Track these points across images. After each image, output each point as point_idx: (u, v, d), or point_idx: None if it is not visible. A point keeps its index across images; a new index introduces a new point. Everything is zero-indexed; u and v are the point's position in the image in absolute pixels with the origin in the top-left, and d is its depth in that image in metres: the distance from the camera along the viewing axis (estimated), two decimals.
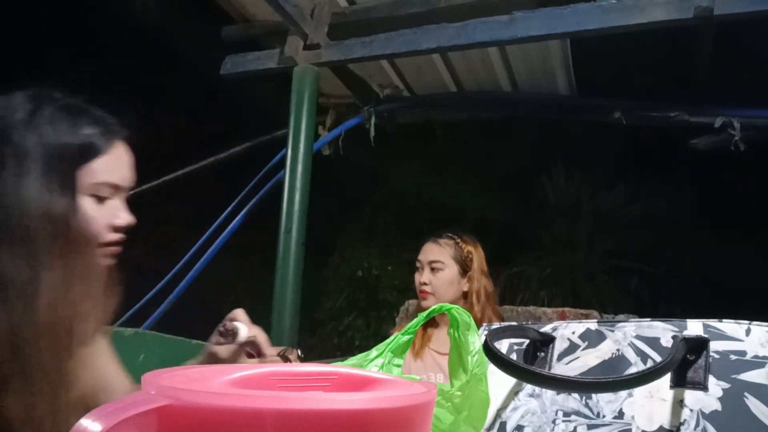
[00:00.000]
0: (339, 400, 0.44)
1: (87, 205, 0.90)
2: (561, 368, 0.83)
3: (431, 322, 2.01)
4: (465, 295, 2.02)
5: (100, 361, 1.00)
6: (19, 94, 0.88)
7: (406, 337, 0.81)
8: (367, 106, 3.56)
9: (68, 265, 0.84)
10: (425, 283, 1.98)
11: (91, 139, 0.91)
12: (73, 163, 0.87)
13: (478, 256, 2.04)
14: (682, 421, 0.71)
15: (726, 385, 0.71)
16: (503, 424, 0.83)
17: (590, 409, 0.78)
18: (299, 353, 1.97)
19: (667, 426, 0.72)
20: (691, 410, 0.71)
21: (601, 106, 3.35)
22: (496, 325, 0.89)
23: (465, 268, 2.00)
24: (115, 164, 0.94)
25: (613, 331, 0.83)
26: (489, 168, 5.76)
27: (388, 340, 0.81)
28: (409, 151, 5.65)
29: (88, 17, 6.17)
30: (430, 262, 2.00)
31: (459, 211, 5.27)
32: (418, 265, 2.04)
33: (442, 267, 1.98)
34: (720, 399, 0.71)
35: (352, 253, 6.18)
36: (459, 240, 2.03)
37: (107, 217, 0.93)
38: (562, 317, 2.37)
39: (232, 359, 1.05)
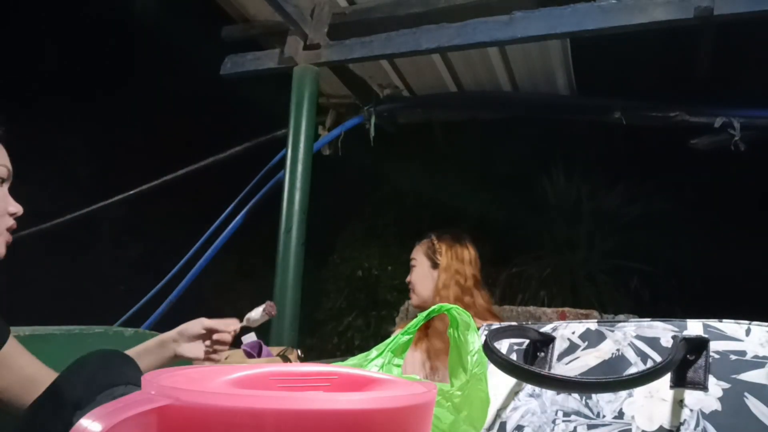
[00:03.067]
0: (339, 400, 0.44)
1: None
2: (561, 368, 0.83)
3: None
4: None
5: (19, 361, 1.01)
6: None
7: (406, 337, 0.81)
8: (367, 106, 3.56)
9: None
10: (408, 282, 2.13)
11: None
12: None
13: (450, 250, 2.08)
14: (682, 421, 0.71)
15: (726, 385, 0.71)
16: (503, 424, 0.83)
17: (590, 409, 0.78)
18: (299, 353, 1.98)
19: (667, 426, 0.72)
20: (691, 410, 0.71)
21: (601, 106, 3.35)
22: (496, 325, 0.89)
23: (434, 263, 2.09)
24: (2, 154, 0.98)
25: (613, 331, 0.83)
26: (489, 168, 5.75)
27: (388, 340, 0.81)
28: (409, 151, 5.65)
29: (88, 17, 6.17)
30: (410, 260, 2.15)
31: (459, 211, 5.27)
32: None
33: (415, 264, 2.12)
34: (720, 399, 0.71)
35: (352, 253, 6.18)
36: (435, 238, 2.14)
37: (3, 203, 0.97)
38: (562, 317, 2.37)
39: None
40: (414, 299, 2.09)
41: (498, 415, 0.84)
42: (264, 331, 2.57)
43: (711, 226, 4.55)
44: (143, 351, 1.13)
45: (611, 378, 0.72)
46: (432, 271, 2.07)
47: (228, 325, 1.13)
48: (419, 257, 2.11)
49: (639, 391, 0.75)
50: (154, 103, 6.11)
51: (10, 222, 0.99)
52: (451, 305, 0.82)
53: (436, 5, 2.84)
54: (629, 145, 4.68)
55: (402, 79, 3.51)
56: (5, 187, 0.99)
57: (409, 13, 2.86)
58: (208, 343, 1.14)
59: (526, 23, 2.53)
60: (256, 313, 1.15)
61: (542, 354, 0.86)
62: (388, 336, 0.83)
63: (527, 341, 0.89)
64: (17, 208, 1.00)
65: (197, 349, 1.13)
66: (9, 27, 6.19)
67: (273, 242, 2.89)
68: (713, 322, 0.77)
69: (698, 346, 0.74)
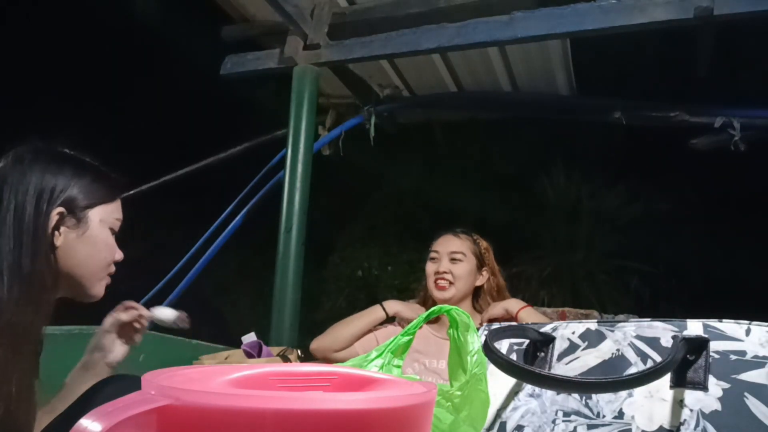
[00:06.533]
0: (339, 400, 0.44)
1: (108, 235, 1.07)
2: (561, 368, 0.83)
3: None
4: (476, 290, 2.08)
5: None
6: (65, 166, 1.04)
7: (406, 338, 0.81)
8: (367, 106, 3.55)
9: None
10: (446, 272, 2.00)
11: (117, 183, 1.11)
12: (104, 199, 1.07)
13: (492, 253, 2.11)
14: (682, 421, 0.71)
15: (726, 385, 0.71)
16: (503, 424, 0.83)
17: (590, 409, 0.78)
18: (299, 353, 1.98)
19: (667, 426, 0.72)
20: (691, 410, 0.71)
21: (601, 106, 3.34)
22: (496, 325, 0.89)
23: (481, 262, 2.05)
24: (118, 209, 1.10)
25: (613, 331, 0.83)
26: (489, 168, 5.76)
27: (387, 342, 0.81)
28: (409, 151, 5.65)
29: (87, 17, 6.17)
30: (451, 253, 2.02)
31: (459, 211, 5.27)
32: (434, 255, 2.05)
33: (462, 258, 2.01)
34: (720, 399, 0.71)
35: (352, 253, 6.18)
36: (476, 236, 2.10)
37: (114, 250, 1.08)
38: (562, 317, 2.37)
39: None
40: (449, 292, 1.97)
41: (498, 415, 0.84)
42: (264, 331, 2.57)
43: (711, 226, 4.55)
44: (70, 383, 1.12)
45: (611, 378, 0.73)
46: (476, 271, 2.04)
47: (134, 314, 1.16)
48: (468, 253, 2.03)
49: (639, 391, 0.75)
50: (154, 103, 6.11)
51: (113, 269, 1.10)
52: (451, 306, 0.82)
53: (436, 5, 2.84)
54: (629, 145, 4.69)
55: (402, 79, 3.50)
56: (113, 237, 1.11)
57: (409, 13, 2.86)
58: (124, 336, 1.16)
59: (526, 23, 2.53)
60: (165, 315, 1.15)
61: (542, 354, 0.86)
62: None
63: (527, 341, 0.89)
64: (121, 256, 1.10)
65: (119, 348, 1.14)
66: (9, 24, 6.19)
67: (273, 242, 2.89)
68: (713, 322, 0.76)
69: (698, 346, 0.74)
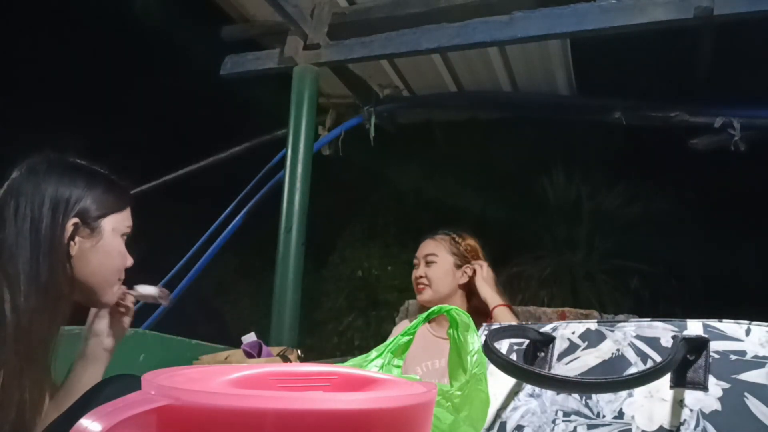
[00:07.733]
0: (339, 400, 0.44)
1: (119, 243, 1.10)
2: (561, 368, 0.83)
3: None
4: (474, 289, 2.06)
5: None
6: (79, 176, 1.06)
7: (406, 338, 0.81)
8: (367, 106, 3.55)
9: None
10: (421, 276, 2.04)
11: (127, 191, 1.15)
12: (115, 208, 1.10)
13: (479, 251, 2.10)
14: (682, 421, 0.71)
15: (726, 385, 0.71)
16: (503, 424, 0.83)
17: (590, 409, 0.78)
18: (299, 353, 1.98)
19: (667, 426, 0.72)
20: (691, 410, 0.71)
21: (601, 106, 3.35)
22: (496, 325, 0.89)
23: (463, 260, 2.05)
24: (129, 216, 1.13)
25: (613, 331, 0.83)
26: (489, 168, 5.76)
27: (387, 341, 0.81)
28: (409, 151, 5.65)
29: (87, 17, 6.17)
30: (426, 256, 2.06)
31: (459, 211, 5.27)
32: (415, 262, 2.10)
33: (435, 259, 2.04)
34: (720, 399, 0.71)
35: (352, 253, 6.19)
36: (456, 236, 2.09)
37: (125, 257, 1.11)
38: (562, 317, 2.37)
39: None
40: (426, 294, 2.00)
41: (498, 415, 0.84)
42: (264, 331, 2.57)
43: (711, 226, 4.55)
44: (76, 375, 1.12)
45: (611, 378, 0.72)
46: (455, 270, 2.04)
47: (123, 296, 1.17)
48: (441, 254, 2.04)
49: (639, 391, 0.75)
50: (154, 102, 6.11)
51: (123, 275, 1.13)
52: (451, 306, 0.82)
53: (436, 5, 2.84)
54: (629, 145, 4.69)
55: (402, 79, 3.51)
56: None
57: (409, 13, 2.86)
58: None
59: (526, 23, 2.53)
60: (147, 291, 1.16)
61: (542, 354, 0.87)
62: (388, 336, 0.83)
63: (527, 341, 0.89)
64: (131, 262, 1.14)
65: (112, 331, 1.16)
66: (8, 24, 6.19)
67: (273, 242, 2.89)
68: (713, 322, 0.76)
69: (698, 346, 0.74)
